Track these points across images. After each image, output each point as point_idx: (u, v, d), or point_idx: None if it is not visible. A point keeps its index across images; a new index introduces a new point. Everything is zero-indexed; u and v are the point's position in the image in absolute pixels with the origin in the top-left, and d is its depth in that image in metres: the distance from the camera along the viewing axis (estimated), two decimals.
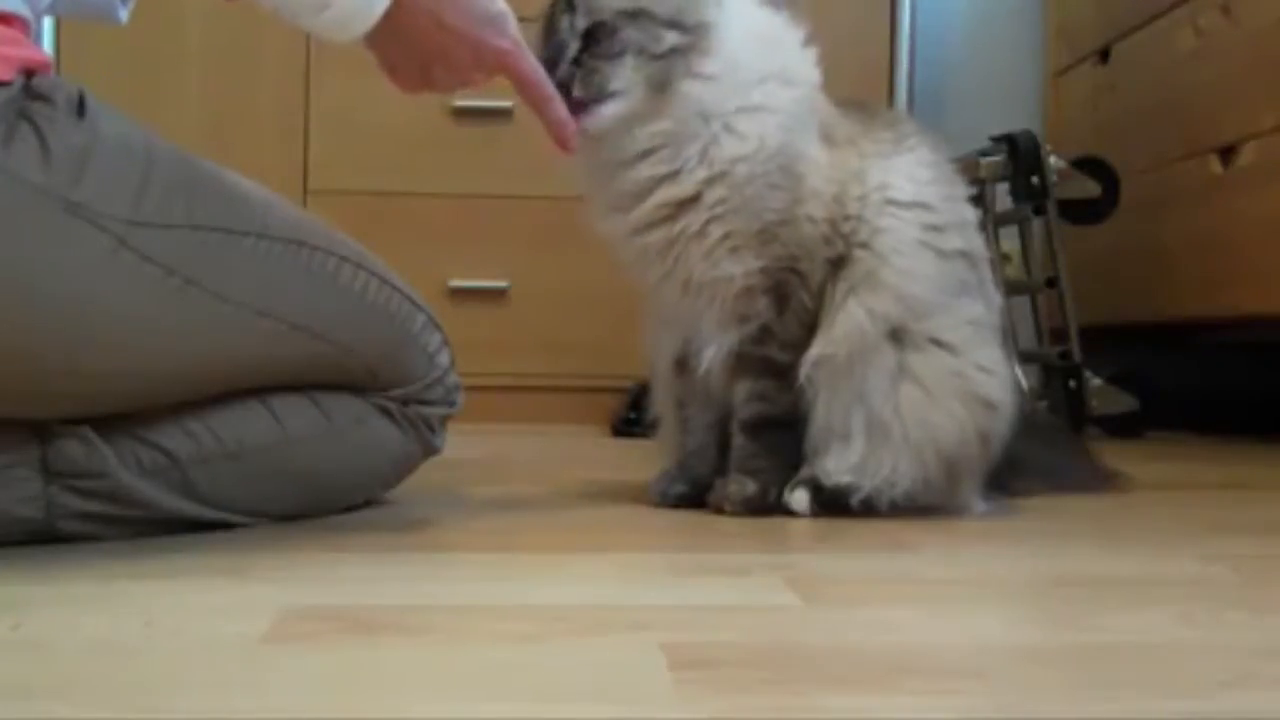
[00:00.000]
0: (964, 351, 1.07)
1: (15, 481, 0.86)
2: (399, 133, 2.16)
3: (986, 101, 2.53)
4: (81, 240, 0.81)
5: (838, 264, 1.06)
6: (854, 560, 0.90)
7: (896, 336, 1.05)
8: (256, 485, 0.96)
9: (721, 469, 1.13)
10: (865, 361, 1.05)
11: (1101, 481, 1.30)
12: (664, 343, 1.14)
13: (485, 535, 0.99)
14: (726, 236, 1.04)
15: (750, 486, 1.07)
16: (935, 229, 1.08)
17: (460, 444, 1.20)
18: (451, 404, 1.08)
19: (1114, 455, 1.37)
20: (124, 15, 1.00)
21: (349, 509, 1.05)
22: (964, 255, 1.10)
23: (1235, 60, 1.92)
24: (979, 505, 1.10)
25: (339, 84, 2.16)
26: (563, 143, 1.00)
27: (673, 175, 1.04)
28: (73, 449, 0.87)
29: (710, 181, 1.04)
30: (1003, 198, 2.08)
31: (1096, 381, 2.01)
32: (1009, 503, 1.16)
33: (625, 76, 1.01)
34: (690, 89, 1.03)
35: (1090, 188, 2.05)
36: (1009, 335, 2.01)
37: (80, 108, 0.85)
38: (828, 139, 1.08)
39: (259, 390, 0.96)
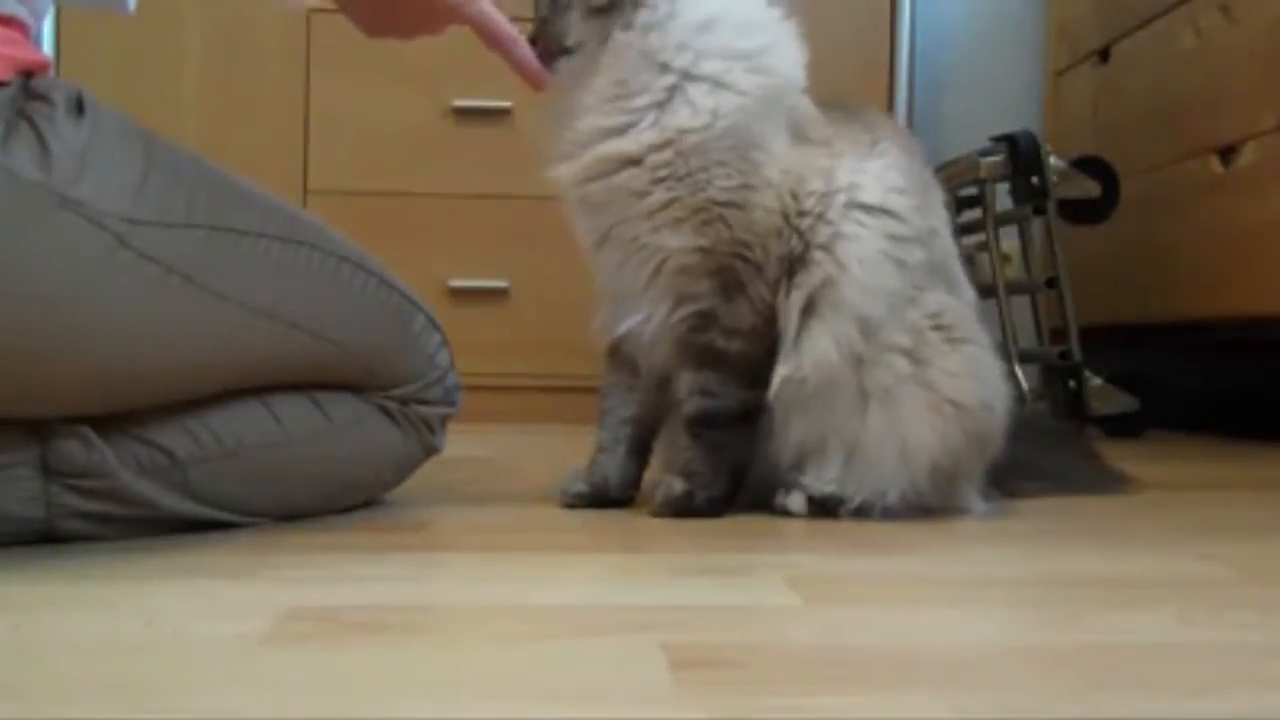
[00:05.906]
0: (925, 355, 1.04)
1: (15, 481, 0.86)
2: (399, 133, 2.16)
3: (986, 101, 2.53)
4: (80, 239, 0.81)
5: (793, 264, 1.04)
6: (854, 560, 0.90)
7: (857, 359, 1.04)
8: (256, 485, 0.96)
9: (633, 473, 1.12)
10: (832, 389, 1.03)
11: (1109, 484, 1.29)
12: (605, 322, 1.11)
13: (485, 535, 0.99)
14: (669, 204, 1.03)
15: (677, 486, 1.05)
16: (900, 240, 1.05)
17: (460, 444, 1.21)
18: (451, 404, 1.08)
19: (1114, 455, 1.37)
20: (132, 4, 0.99)
21: (349, 509, 1.05)
22: (927, 265, 1.07)
23: (1235, 60, 1.92)
24: (979, 505, 1.10)
25: (339, 84, 2.16)
26: (531, 78, 1.05)
27: (620, 129, 1.04)
28: (73, 449, 0.87)
29: (658, 147, 1.03)
30: (1003, 198, 2.08)
31: (1096, 381, 2.00)
32: (1009, 503, 1.16)
33: (577, 29, 1.05)
34: (624, 38, 1.03)
35: (1090, 188, 2.05)
36: (1010, 334, 2.03)
37: (79, 107, 0.85)
38: (800, 136, 1.07)
39: (259, 390, 0.96)
